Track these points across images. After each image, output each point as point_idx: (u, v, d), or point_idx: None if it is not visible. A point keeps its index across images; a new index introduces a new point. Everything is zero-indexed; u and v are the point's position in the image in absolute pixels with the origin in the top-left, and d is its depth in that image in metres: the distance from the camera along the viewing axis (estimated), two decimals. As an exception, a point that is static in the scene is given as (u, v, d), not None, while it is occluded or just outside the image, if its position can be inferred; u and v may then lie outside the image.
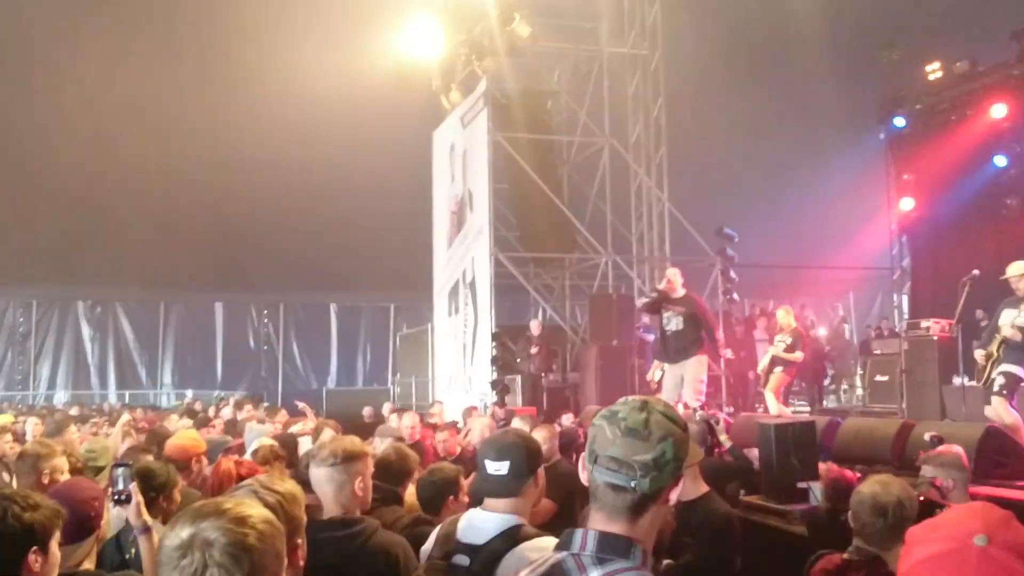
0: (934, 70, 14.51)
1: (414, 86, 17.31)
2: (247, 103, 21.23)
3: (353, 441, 3.09)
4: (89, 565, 3.17)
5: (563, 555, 1.68)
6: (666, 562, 3.91)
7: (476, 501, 2.94)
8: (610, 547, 1.65)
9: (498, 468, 2.74)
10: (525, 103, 18.10)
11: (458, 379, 17.52)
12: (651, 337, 13.49)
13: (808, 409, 14.25)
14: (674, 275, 9.97)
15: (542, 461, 2.88)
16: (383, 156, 20.61)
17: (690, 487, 4.44)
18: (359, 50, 18.62)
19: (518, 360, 15.13)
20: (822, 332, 17.10)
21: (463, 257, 17.40)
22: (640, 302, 11.70)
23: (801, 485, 6.25)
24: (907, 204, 15.54)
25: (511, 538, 2.65)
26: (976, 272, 8.36)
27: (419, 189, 20.04)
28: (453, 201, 18.32)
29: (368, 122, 20.18)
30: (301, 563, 2.05)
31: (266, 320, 26.17)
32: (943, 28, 15.05)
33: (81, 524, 3.09)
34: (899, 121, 15.26)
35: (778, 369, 11.05)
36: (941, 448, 4.59)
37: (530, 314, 17.79)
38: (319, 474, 3.00)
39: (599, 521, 1.69)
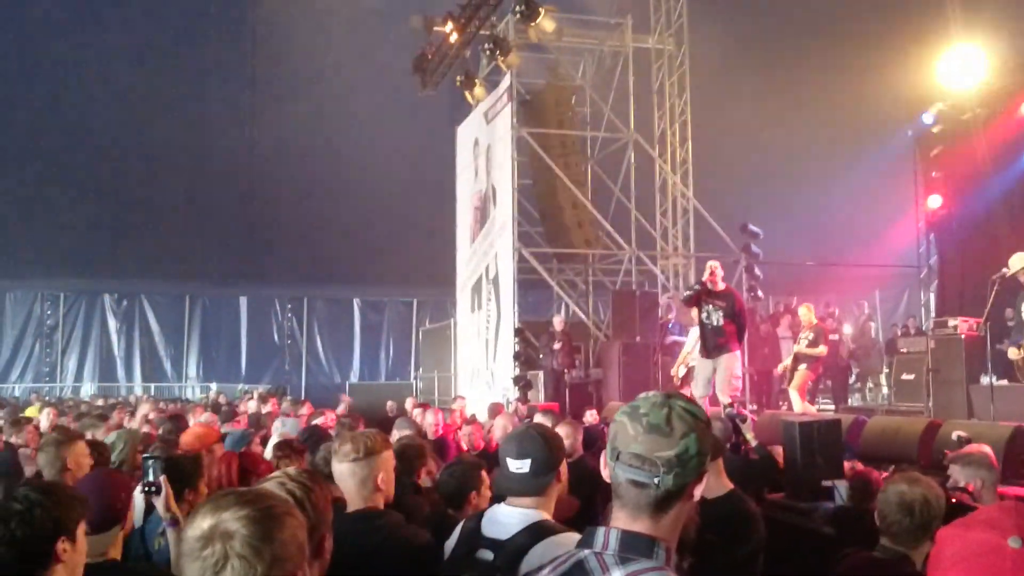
0: (965, 66, 14.29)
1: (438, 81, 17.36)
2: (270, 99, 21.37)
3: (375, 435, 3.09)
4: (115, 555, 3.20)
5: (585, 553, 1.66)
6: (690, 561, 3.88)
7: (499, 498, 2.93)
8: (633, 546, 1.62)
9: (520, 466, 2.72)
10: (549, 98, 18.10)
11: (481, 374, 17.53)
12: (681, 338, 13.43)
13: (833, 407, 14.15)
14: (716, 267, 9.90)
15: (564, 457, 2.86)
16: (407, 151, 20.67)
17: (714, 484, 4.41)
18: (382, 44, 18.69)
19: (541, 356, 15.11)
20: (848, 330, 16.94)
21: (486, 252, 17.41)
22: (683, 295, 11.64)
23: (826, 483, 6.20)
24: (935, 202, 15.33)
25: (535, 533, 2.63)
26: (1005, 271, 8.26)
27: (443, 184, 20.07)
28: (476, 196, 18.32)
29: (392, 116, 20.26)
30: (328, 556, 2.04)
31: (290, 314, 26.31)
32: (974, 23, 14.83)
33: (106, 514, 3.11)
34: (927, 118, 15.06)
35: (802, 367, 11.03)
36: (969, 448, 4.54)
37: (553, 310, 17.78)
38: (342, 469, 3.00)
39: (622, 519, 1.66)
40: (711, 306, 9.62)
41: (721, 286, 9.78)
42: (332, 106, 21.57)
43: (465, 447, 7.30)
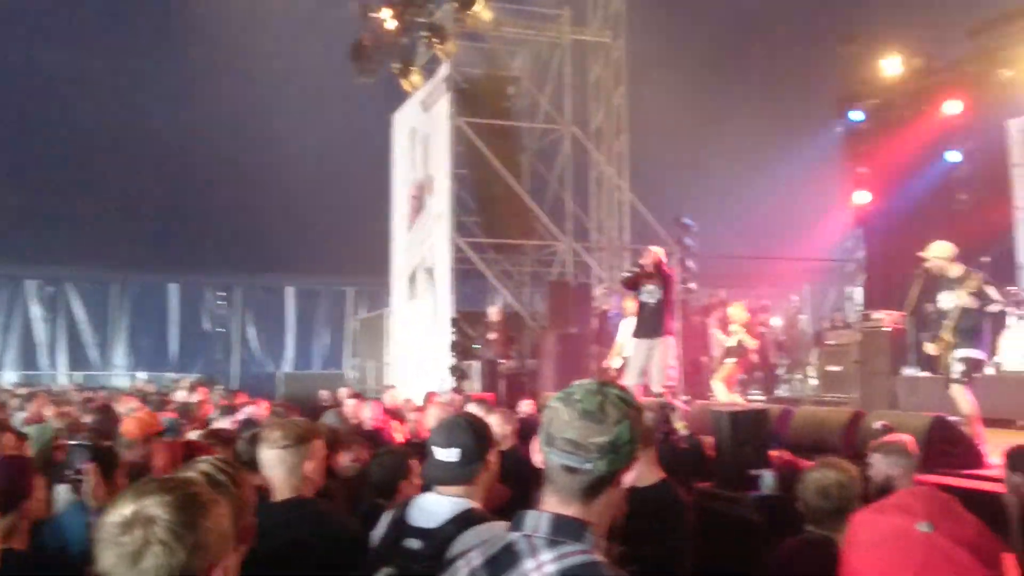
0: (892, 65, 14.68)
1: (374, 68, 17.20)
2: (203, 83, 20.93)
3: (304, 423, 3.06)
4: (18, 544, 3.05)
5: (515, 536, 1.67)
6: (620, 548, 3.92)
7: (427, 488, 2.92)
8: (563, 529, 1.65)
9: (447, 455, 2.71)
10: (487, 88, 18.06)
11: (416, 364, 17.46)
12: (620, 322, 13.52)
13: (763, 398, 14.42)
14: (655, 251, 9.98)
15: (493, 446, 2.86)
16: (343, 138, 20.45)
17: (646, 473, 4.46)
18: (318, 29, 18.45)
19: (476, 346, 15.12)
20: (778, 322, 17.27)
21: (423, 242, 17.33)
22: (622, 275, 11.68)
23: (753, 472, 6.31)
24: (862, 197, 15.74)
25: (464, 522, 2.63)
26: (927, 264, 8.48)
27: (379, 173, 19.91)
28: (413, 185, 18.22)
29: (327, 103, 20.02)
30: (250, 542, 2.01)
31: (221, 302, 25.86)
32: (901, 24, 15.21)
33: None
34: (856, 115, 15.43)
35: (729, 360, 11.22)
36: (889, 437, 4.67)
37: (489, 300, 17.78)
38: (270, 456, 2.96)
39: (553, 503, 1.69)
40: (651, 286, 9.72)
41: (660, 269, 9.89)
42: (267, 91, 21.20)
43: (408, 436, 7.27)
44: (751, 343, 11.24)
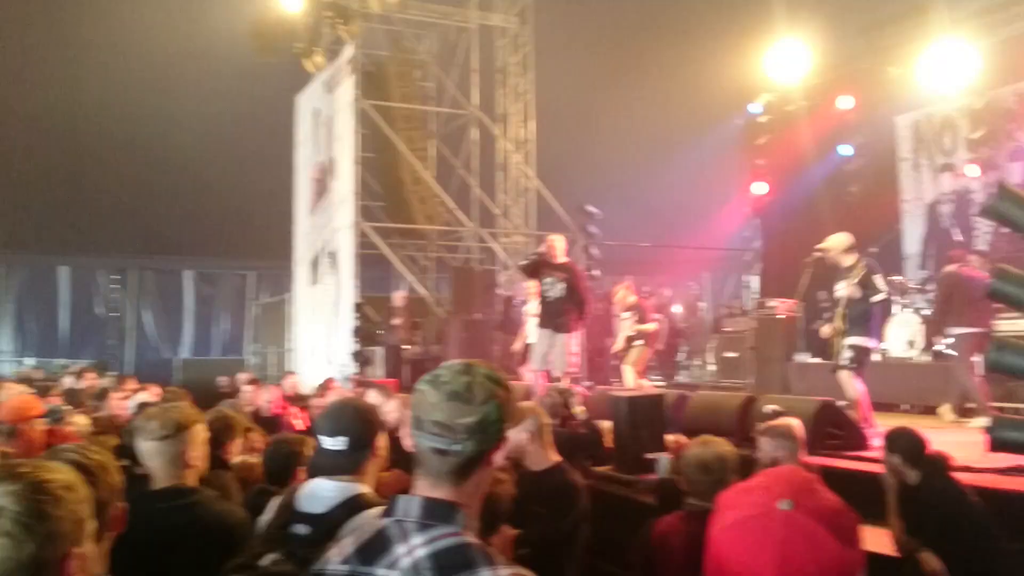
0: (788, 60, 15.05)
1: (276, 47, 16.80)
2: (97, 58, 20.13)
3: (184, 409, 2.96)
4: None
5: (387, 521, 1.66)
6: (515, 532, 3.93)
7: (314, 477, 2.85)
8: (434, 512, 1.64)
9: (334, 443, 2.66)
10: (392, 71, 17.87)
11: (319, 350, 17.23)
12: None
13: (663, 383, 14.70)
14: (556, 241, 9.84)
15: (382, 430, 2.81)
16: (244, 118, 19.96)
17: (541, 457, 4.50)
18: (219, 5, 17.92)
19: (380, 332, 15.00)
20: (678, 309, 17.62)
21: (326, 226, 17.08)
22: (519, 263, 11.63)
23: (649, 456, 6.42)
24: (760, 188, 16.16)
25: (353, 507, 2.58)
26: (818, 254, 8.75)
27: (281, 154, 19.51)
28: (316, 168, 17.93)
29: (228, 82, 19.49)
30: (119, 529, 1.93)
31: (115, 286, 24.98)
32: (799, 20, 15.62)
33: None
34: (755, 107, 15.82)
35: (637, 343, 11.30)
36: (775, 421, 4.81)
37: (393, 285, 17.64)
38: (148, 448, 2.86)
39: (424, 487, 1.68)
40: (551, 278, 9.63)
41: (562, 259, 9.81)
42: (165, 69, 20.50)
43: (305, 424, 7.16)
44: (649, 326, 11.30)
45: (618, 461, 6.77)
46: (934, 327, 10.17)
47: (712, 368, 14.79)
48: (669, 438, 6.72)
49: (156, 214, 21.75)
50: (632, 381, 11.08)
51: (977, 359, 9.35)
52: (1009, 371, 5.62)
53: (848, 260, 7.86)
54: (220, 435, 4.28)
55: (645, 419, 6.77)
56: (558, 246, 9.72)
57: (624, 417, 6.75)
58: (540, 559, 3.90)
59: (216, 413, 4.44)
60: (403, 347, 14.42)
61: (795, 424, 5.12)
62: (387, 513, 1.69)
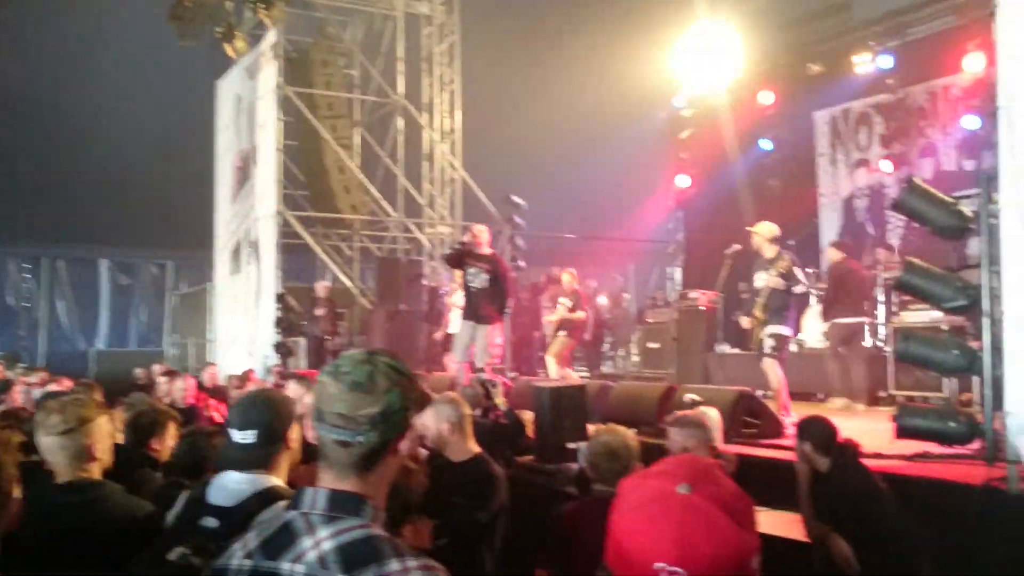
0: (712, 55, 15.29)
1: (196, 31, 16.42)
2: (7, 39, 19.41)
3: (86, 401, 2.87)
4: None
5: (292, 515, 1.63)
6: (433, 522, 3.92)
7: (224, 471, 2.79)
8: (340, 504, 1.61)
9: (244, 436, 2.60)
10: (316, 58, 17.61)
11: (240, 341, 16.93)
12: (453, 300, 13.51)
13: (587, 374, 14.82)
14: (481, 231, 9.79)
15: (295, 423, 2.76)
16: (163, 104, 19.48)
17: (461, 448, 4.50)
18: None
19: (303, 323, 14.81)
20: (603, 301, 17.78)
21: (247, 214, 16.78)
22: (443, 253, 11.54)
23: (571, 446, 6.46)
24: (683, 181, 16.38)
25: (264, 500, 2.53)
26: (737, 247, 8.93)
27: (202, 141, 19.08)
28: (238, 156, 17.59)
29: (147, 65, 19.00)
30: (12, 525, 1.86)
31: (27, 275, 24.15)
32: (721, 14, 15.85)
33: None
34: (678, 101, 16.01)
35: (561, 333, 11.35)
36: (683, 411, 4.90)
37: (317, 276, 17.43)
38: (48, 443, 2.77)
39: (328, 479, 1.65)
40: (474, 268, 9.60)
41: (487, 251, 9.79)
42: (80, 51, 19.88)
43: (221, 418, 7.02)
44: (579, 315, 11.36)
45: (540, 451, 6.80)
46: (823, 317, 10.51)
47: (636, 359, 14.96)
48: (591, 428, 6.77)
49: (71, 201, 21.06)
50: (556, 372, 11.14)
51: (856, 348, 9.79)
52: (916, 361, 5.81)
53: (770, 251, 8.04)
54: (148, 429, 4.15)
55: (567, 409, 6.81)
56: (482, 237, 9.69)
57: (546, 407, 6.78)
58: (459, 549, 3.92)
59: (143, 406, 4.31)
60: (326, 338, 14.26)
61: (712, 413, 5.23)
62: (292, 506, 1.65)
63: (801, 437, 4.68)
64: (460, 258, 9.73)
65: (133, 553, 2.66)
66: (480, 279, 9.53)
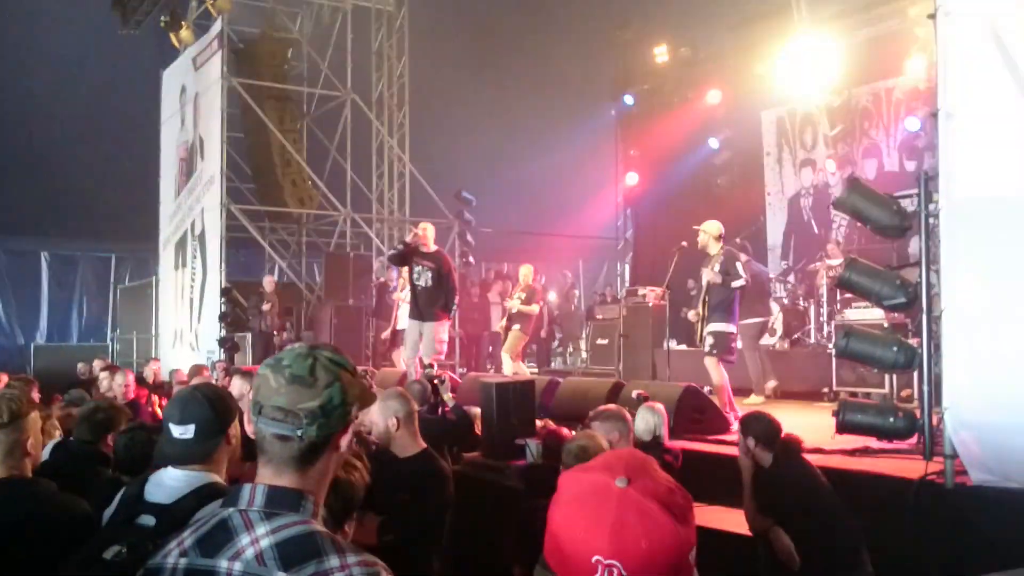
0: (661, 53, 15.44)
1: (140, 19, 16.12)
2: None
3: (19, 397, 2.79)
4: None
5: (229, 512, 1.59)
6: (379, 519, 3.90)
7: (162, 466, 2.73)
8: (279, 500, 1.58)
9: (183, 431, 2.55)
10: (264, 49, 17.40)
11: (184, 336, 16.68)
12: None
13: (536, 370, 14.85)
14: (425, 229, 9.77)
15: (234, 418, 2.72)
16: (107, 93, 19.08)
17: (408, 444, 4.46)
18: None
19: (249, 317, 14.62)
20: (553, 297, 17.84)
21: (192, 207, 16.51)
22: (388, 252, 11.45)
23: (519, 442, 6.45)
24: (632, 178, 16.51)
25: (203, 496, 2.49)
26: (684, 244, 9.02)
27: (146, 132, 18.73)
28: (183, 147, 17.30)
29: (90, 53, 18.58)
30: None
31: (-37, 268, 23.49)
32: (672, 14, 16.00)
33: None
34: (628, 99, 16.12)
35: (516, 328, 11.29)
36: (604, 406, 4.98)
37: (264, 270, 17.23)
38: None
39: (267, 475, 1.62)
40: (420, 267, 9.59)
41: (432, 248, 9.78)
42: (19, 38, 19.38)
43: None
44: (531, 308, 11.32)
45: (488, 447, 6.78)
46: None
47: (585, 355, 15.03)
48: (539, 424, 6.78)
49: (10, 193, 20.50)
50: (511, 367, 11.14)
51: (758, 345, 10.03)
52: (857, 357, 5.90)
53: (714, 248, 8.17)
54: (103, 425, 4.04)
55: (516, 405, 6.80)
56: (428, 234, 9.69)
57: (494, 403, 6.76)
58: (405, 546, 3.89)
59: (98, 403, 4.18)
60: (274, 333, 14.10)
61: (659, 408, 5.28)
62: (229, 503, 1.61)
63: (745, 432, 4.74)
64: (404, 257, 9.71)
65: (68, 552, 2.60)
66: (425, 277, 9.52)
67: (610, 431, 4.44)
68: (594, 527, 1.24)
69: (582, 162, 19.36)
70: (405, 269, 10.13)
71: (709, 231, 8.26)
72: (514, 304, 11.33)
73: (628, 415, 4.61)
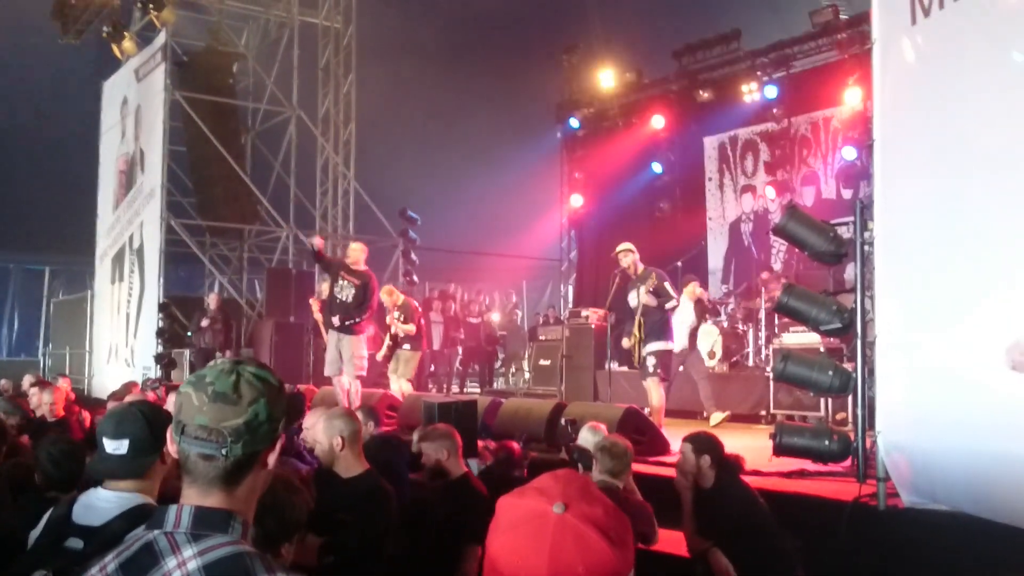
0: (607, 77, 15.61)
1: (81, 29, 15.83)
2: None
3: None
4: None
5: (154, 534, 1.54)
6: (320, 540, 3.85)
7: (95, 483, 2.66)
8: (206, 522, 1.54)
9: (116, 447, 2.49)
10: (208, 63, 17.19)
11: (120, 352, 16.32)
12: None
13: (479, 391, 14.81)
14: (355, 250, 9.86)
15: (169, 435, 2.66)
16: (44, 103, 18.69)
17: (352, 464, 4.41)
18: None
19: (189, 334, 14.36)
20: (496, 317, 17.83)
21: (131, 221, 16.20)
22: (311, 251, 11.15)
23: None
24: (576, 201, 16.61)
25: (134, 518, 2.42)
26: (618, 270, 9.10)
27: (85, 143, 18.36)
28: (123, 160, 16.98)
29: (27, 64, 18.19)
30: None
31: None
32: (618, 39, 16.20)
33: None
34: (574, 122, 16.23)
35: (406, 347, 10.89)
36: (437, 425, 5.16)
37: (204, 285, 16.97)
38: None
39: (193, 495, 1.58)
40: (345, 281, 9.59)
41: (362, 268, 9.78)
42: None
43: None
44: (406, 328, 10.71)
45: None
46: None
47: (528, 375, 15.04)
48: (481, 444, 6.77)
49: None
50: (400, 390, 10.68)
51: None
52: (793, 381, 6.00)
53: (641, 269, 8.33)
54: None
55: (459, 424, 6.77)
56: (358, 256, 9.77)
57: (436, 422, 6.73)
58: (347, 567, 3.84)
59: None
60: (214, 350, 13.86)
61: (603, 427, 5.30)
62: (154, 525, 1.56)
63: (699, 452, 4.71)
64: (324, 263, 9.91)
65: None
66: (348, 292, 9.56)
67: (438, 449, 4.62)
68: (532, 555, 1.23)
69: (528, 183, 19.43)
70: (327, 281, 10.19)
71: (632, 249, 8.41)
72: (395, 325, 10.77)
73: (456, 434, 4.76)
